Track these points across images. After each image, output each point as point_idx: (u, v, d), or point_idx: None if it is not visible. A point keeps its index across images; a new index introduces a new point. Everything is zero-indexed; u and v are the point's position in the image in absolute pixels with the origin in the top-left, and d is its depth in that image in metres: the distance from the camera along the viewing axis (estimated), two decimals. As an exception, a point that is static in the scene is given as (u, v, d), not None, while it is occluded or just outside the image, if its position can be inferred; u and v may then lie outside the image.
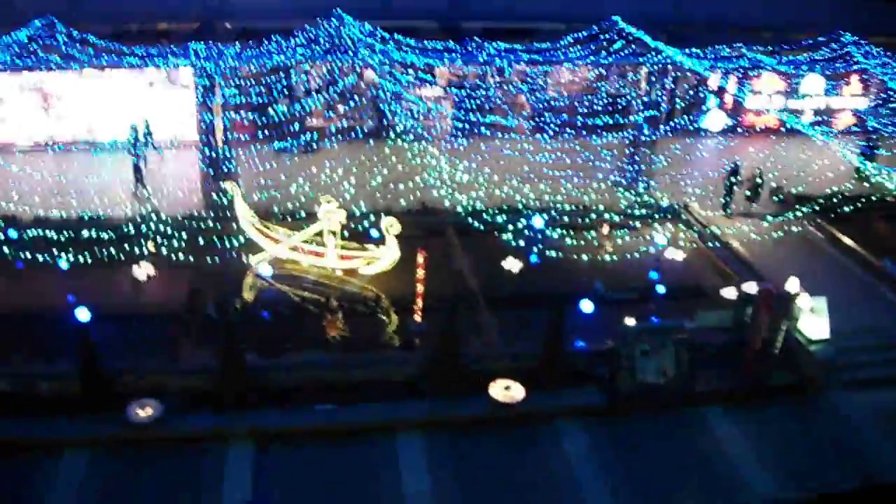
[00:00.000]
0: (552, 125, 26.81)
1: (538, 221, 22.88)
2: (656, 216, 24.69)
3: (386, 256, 20.69)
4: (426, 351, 17.81)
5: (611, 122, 25.59)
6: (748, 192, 25.10)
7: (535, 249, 22.66)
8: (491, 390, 16.99)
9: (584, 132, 26.45)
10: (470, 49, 21.37)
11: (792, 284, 17.92)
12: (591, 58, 21.77)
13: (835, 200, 25.51)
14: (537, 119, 27.82)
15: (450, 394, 17.16)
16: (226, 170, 23.81)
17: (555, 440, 16.48)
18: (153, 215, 22.50)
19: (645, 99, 24.73)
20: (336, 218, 20.53)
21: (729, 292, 18.85)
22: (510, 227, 22.89)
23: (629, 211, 24.34)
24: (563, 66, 25.99)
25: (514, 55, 21.73)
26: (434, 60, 21.53)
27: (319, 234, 21.06)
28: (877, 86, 30.78)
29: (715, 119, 32.75)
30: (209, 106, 22.72)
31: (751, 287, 18.30)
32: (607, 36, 21.81)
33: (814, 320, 18.94)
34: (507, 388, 17.10)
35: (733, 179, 24.92)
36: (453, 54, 21.29)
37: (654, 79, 24.44)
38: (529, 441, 16.34)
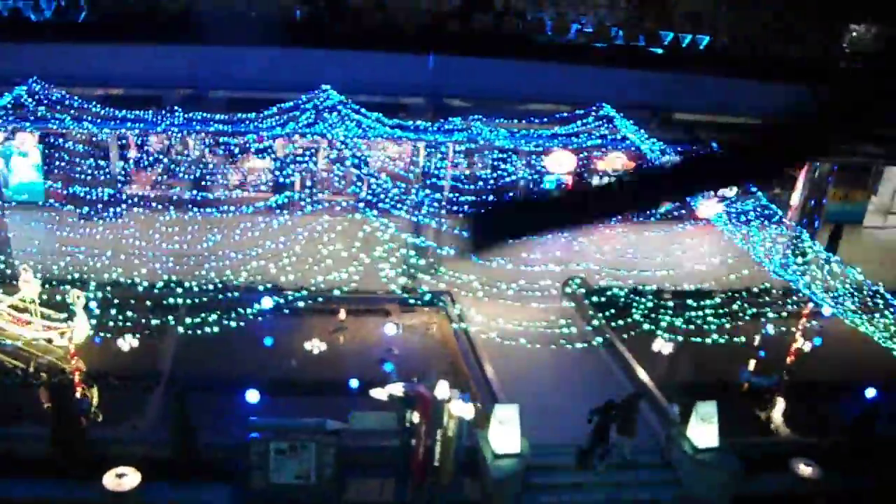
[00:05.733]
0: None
1: (267, 302, 23.55)
2: (414, 303, 25.03)
3: (78, 328, 21.78)
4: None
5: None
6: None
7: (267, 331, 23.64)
8: (104, 477, 17.58)
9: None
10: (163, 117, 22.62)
11: (441, 389, 17.98)
12: (289, 126, 22.65)
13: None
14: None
15: (69, 477, 17.87)
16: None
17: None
18: None
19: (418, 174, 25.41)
20: (30, 287, 21.72)
21: (377, 393, 18.99)
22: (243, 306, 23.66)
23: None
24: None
25: (206, 124, 22.84)
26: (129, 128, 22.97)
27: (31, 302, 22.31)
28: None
29: None
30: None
31: (397, 388, 18.42)
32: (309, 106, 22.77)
33: (503, 431, 18.87)
34: (120, 475, 17.66)
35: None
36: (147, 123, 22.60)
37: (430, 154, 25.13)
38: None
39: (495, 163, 28.81)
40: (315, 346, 23.16)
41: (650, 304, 25.44)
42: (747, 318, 26.14)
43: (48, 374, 21.24)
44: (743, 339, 25.02)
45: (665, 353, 24.43)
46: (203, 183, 29.59)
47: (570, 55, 26.35)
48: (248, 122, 22.58)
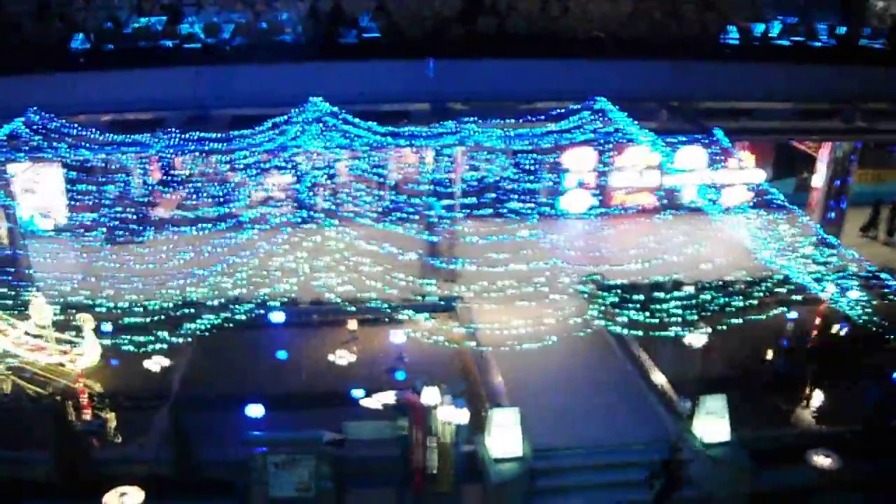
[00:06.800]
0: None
1: (278, 316, 23.95)
2: (427, 311, 25.31)
3: (87, 352, 22.42)
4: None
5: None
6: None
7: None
8: (106, 497, 18.08)
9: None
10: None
11: (430, 395, 18.03)
12: (279, 141, 22.98)
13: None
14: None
15: (70, 498, 18.44)
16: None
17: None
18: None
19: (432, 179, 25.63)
20: (43, 313, 22.44)
21: (369, 402, 19.14)
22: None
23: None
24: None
25: (201, 143, 23.25)
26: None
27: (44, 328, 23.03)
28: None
29: (576, 199, 32.69)
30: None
31: (388, 397, 18.58)
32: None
33: (503, 435, 18.87)
34: (122, 494, 18.15)
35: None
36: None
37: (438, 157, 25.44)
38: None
39: (511, 165, 28.94)
40: (339, 357, 23.47)
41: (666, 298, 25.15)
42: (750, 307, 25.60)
43: (62, 397, 21.94)
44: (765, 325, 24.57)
45: (686, 346, 24.12)
46: (227, 201, 29.95)
47: (574, 51, 26.18)
48: (241, 139, 23.05)
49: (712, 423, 19.56)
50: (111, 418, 21.43)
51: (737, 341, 24.24)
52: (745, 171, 31.95)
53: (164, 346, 23.08)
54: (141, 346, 22.96)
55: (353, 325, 24.60)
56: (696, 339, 24.30)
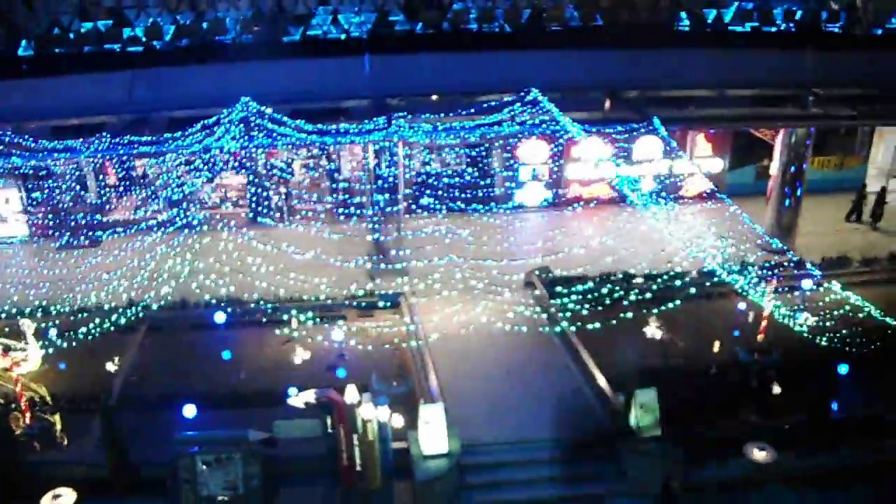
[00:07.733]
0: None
1: (220, 317, 24.45)
2: (371, 307, 25.91)
3: (30, 356, 22.99)
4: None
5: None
6: None
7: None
8: (42, 499, 18.67)
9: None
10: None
11: (350, 393, 18.49)
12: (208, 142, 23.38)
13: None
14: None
15: (9, 500, 19.05)
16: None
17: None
18: None
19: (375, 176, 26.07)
20: (-15, 319, 23.16)
21: (294, 401, 19.58)
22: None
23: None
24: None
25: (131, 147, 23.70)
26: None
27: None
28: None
29: (532, 192, 32.94)
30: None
31: (310, 395, 19.02)
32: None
33: (430, 432, 19.28)
34: (56, 496, 18.76)
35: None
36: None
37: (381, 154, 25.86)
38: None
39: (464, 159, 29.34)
40: (281, 356, 24.07)
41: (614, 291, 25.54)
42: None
43: (4, 401, 22.53)
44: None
45: (625, 340, 24.53)
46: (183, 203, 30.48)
47: (517, 42, 26.49)
48: (170, 141, 23.48)
49: (644, 417, 19.88)
50: (53, 421, 22.09)
51: (680, 333, 24.89)
52: (700, 160, 32.19)
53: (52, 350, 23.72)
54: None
55: (295, 324, 25.08)
56: (648, 331, 24.71)
